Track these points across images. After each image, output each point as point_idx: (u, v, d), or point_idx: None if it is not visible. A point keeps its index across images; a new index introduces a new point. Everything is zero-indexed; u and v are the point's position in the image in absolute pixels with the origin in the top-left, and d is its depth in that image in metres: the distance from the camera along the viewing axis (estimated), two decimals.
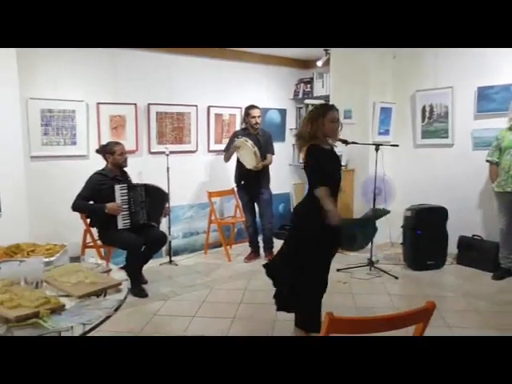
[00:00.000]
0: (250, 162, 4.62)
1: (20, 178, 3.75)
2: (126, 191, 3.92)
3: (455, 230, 4.67)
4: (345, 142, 4.37)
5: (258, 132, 4.84)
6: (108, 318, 1.77)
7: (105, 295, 1.99)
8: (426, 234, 4.58)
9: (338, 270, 4.51)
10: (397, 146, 4.66)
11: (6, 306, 1.69)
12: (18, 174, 3.73)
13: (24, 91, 3.94)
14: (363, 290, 4.06)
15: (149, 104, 4.91)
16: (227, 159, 4.89)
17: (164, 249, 4.74)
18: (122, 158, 3.99)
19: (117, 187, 3.87)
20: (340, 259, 4.97)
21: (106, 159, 4.00)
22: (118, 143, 4.03)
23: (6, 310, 1.68)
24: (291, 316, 3.03)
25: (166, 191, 4.30)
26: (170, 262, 4.89)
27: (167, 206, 4.25)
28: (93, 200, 3.86)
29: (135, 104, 4.80)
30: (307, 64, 6.21)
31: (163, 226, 4.75)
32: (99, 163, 4.04)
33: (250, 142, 4.58)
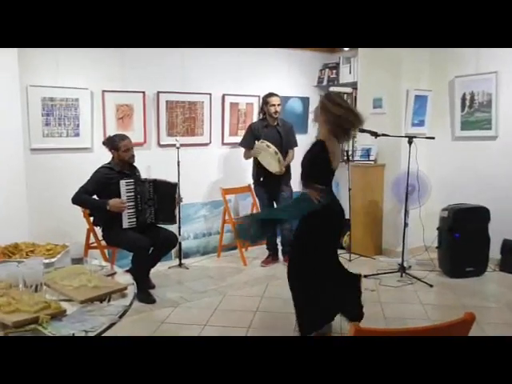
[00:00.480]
0: (274, 167, 4.61)
1: (19, 172, 3.83)
2: (132, 187, 3.95)
3: (498, 232, 4.59)
4: (374, 134, 4.36)
5: (277, 123, 4.83)
6: (112, 325, 1.79)
7: (109, 300, 2.01)
8: (464, 237, 4.51)
9: (365, 277, 4.47)
10: (433, 138, 4.59)
11: (3, 311, 1.72)
12: (17, 167, 3.81)
13: (24, 78, 4.00)
14: (393, 298, 4.03)
15: (158, 92, 4.95)
16: (247, 158, 4.92)
17: (174, 251, 4.77)
18: (129, 155, 4.02)
19: (122, 182, 3.91)
20: (368, 264, 4.95)
21: (111, 153, 4.04)
22: (123, 137, 4.02)
23: (3, 314, 1.71)
24: None
25: (175, 181, 4.32)
26: (180, 265, 4.92)
27: (177, 196, 4.26)
28: (98, 195, 3.91)
29: (143, 92, 4.84)
30: (333, 47, 6.15)
31: (173, 225, 4.79)
32: (104, 156, 4.08)
33: (272, 148, 4.55)
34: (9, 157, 3.73)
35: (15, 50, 3.69)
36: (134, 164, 4.15)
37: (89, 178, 3.89)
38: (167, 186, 4.17)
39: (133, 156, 4.06)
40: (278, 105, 4.77)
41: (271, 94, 4.80)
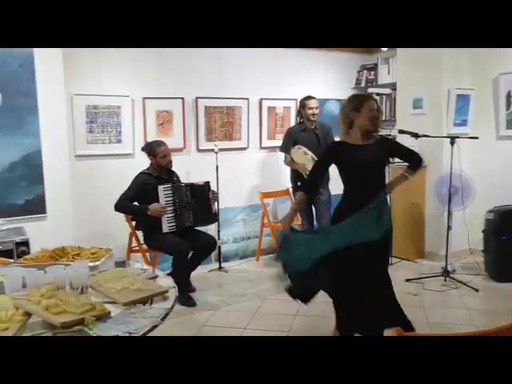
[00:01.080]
0: None
1: (65, 177, 3.96)
2: (170, 192, 4.02)
3: None
4: (415, 135, 4.27)
5: (315, 126, 4.80)
6: (154, 327, 1.82)
7: (151, 303, 2.05)
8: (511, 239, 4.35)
9: (408, 281, 4.38)
10: (476, 138, 4.46)
11: (51, 312, 1.78)
12: (62, 173, 3.94)
13: (68, 87, 4.15)
14: (437, 303, 3.92)
15: (197, 98, 5.02)
16: (287, 164, 4.88)
17: (213, 254, 4.82)
18: (166, 161, 4.07)
19: (160, 188, 3.98)
20: (410, 268, 4.84)
21: (150, 159, 4.12)
22: (160, 144, 4.08)
23: (51, 315, 1.77)
24: None
25: (206, 181, 4.31)
26: (220, 268, 4.96)
27: (211, 193, 4.22)
28: (138, 201, 4.00)
29: (182, 98, 4.92)
30: (370, 48, 6.07)
31: (212, 229, 4.84)
32: (145, 162, 4.17)
33: (309, 155, 4.48)
34: (55, 163, 3.87)
35: (60, 59, 3.83)
36: (172, 169, 4.22)
37: (129, 184, 3.98)
38: (202, 188, 4.21)
39: (170, 161, 4.12)
40: (316, 107, 4.74)
41: (309, 97, 4.78)
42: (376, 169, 2.98)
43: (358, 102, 2.94)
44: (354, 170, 2.95)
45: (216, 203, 4.37)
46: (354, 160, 2.92)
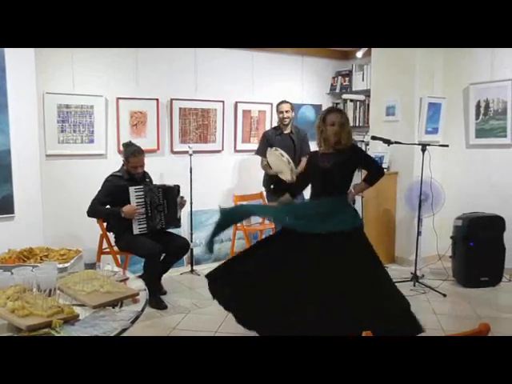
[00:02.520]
0: (286, 175, 4.54)
1: (35, 177, 3.87)
2: (141, 193, 3.97)
3: None
4: (387, 141, 4.35)
5: (291, 130, 4.83)
6: (124, 330, 1.81)
7: (121, 306, 2.03)
8: (479, 246, 4.46)
9: None
10: (446, 146, 4.56)
11: (17, 315, 1.75)
12: (33, 173, 3.85)
13: (40, 85, 4.06)
14: None
15: (172, 99, 4.99)
16: (264, 168, 4.87)
17: (185, 257, 4.79)
18: (135, 171, 3.99)
19: (131, 189, 3.93)
20: None
21: (123, 161, 4.06)
22: (135, 154, 3.95)
23: (17, 318, 1.73)
24: None
25: (177, 184, 4.27)
26: (192, 271, 4.94)
27: (179, 198, 4.19)
28: (110, 204, 3.94)
29: (157, 99, 4.89)
30: (346, 55, 6.17)
31: (185, 231, 4.81)
32: (117, 163, 4.12)
33: (285, 157, 4.48)
34: (25, 162, 3.78)
35: (32, 57, 3.75)
36: (145, 170, 4.17)
37: (100, 188, 3.92)
38: (173, 191, 4.18)
39: (139, 172, 4.03)
40: (287, 111, 4.77)
41: (281, 102, 4.83)
42: (338, 176, 3.10)
43: (323, 115, 3.12)
44: (316, 177, 3.15)
45: (182, 209, 4.31)
46: (318, 167, 3.10)
